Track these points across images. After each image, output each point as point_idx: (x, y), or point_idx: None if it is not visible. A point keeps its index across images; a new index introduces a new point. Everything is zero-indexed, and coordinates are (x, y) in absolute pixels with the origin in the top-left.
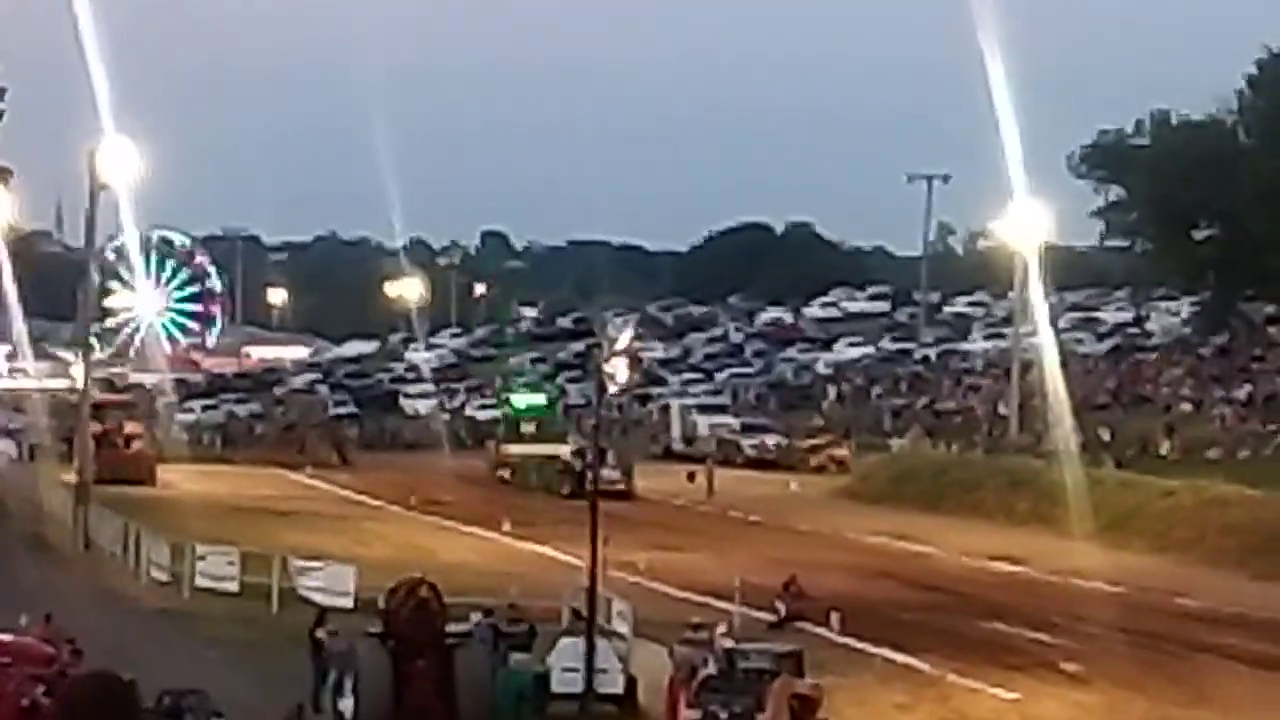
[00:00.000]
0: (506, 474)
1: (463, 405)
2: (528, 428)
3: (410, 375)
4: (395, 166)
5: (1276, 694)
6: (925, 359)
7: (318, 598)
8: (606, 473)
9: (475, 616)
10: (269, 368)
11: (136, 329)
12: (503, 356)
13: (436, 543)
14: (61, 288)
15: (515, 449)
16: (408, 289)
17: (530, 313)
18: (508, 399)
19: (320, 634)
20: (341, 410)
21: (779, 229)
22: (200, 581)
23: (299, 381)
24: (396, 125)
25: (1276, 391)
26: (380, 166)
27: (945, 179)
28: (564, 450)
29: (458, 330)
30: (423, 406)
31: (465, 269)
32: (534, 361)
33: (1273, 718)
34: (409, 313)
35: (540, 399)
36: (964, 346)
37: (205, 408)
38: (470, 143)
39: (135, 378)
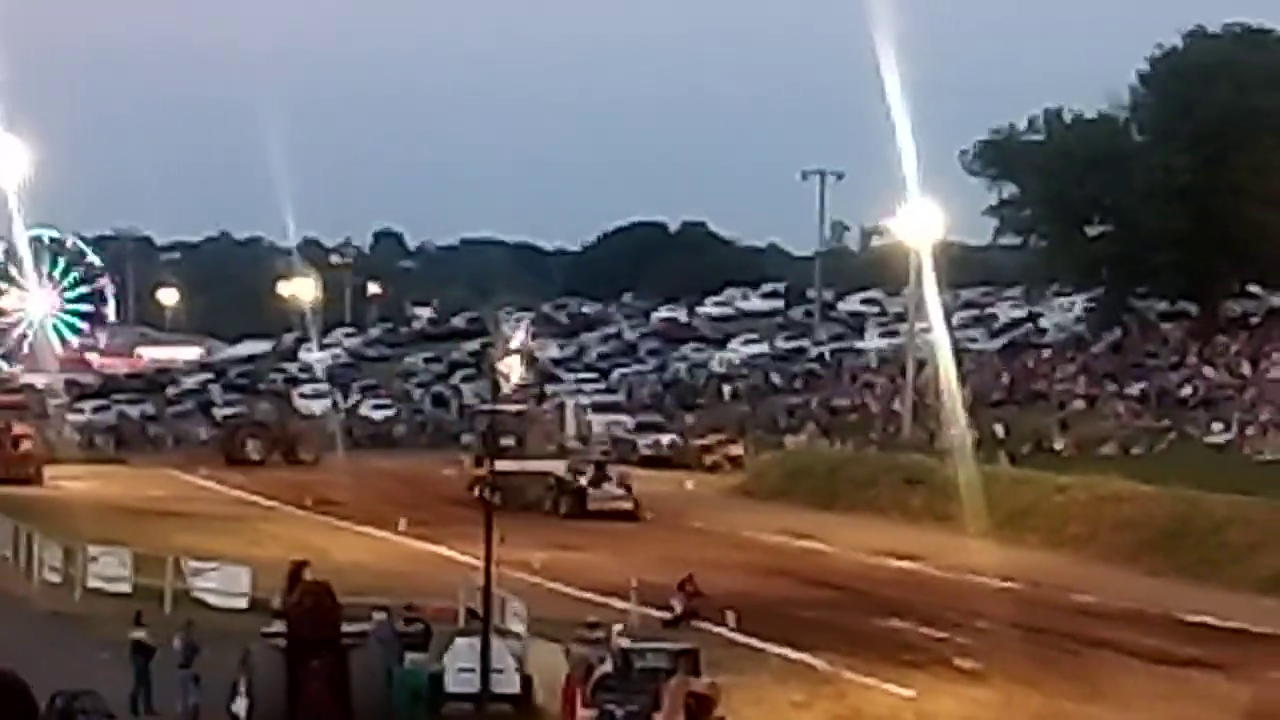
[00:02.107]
0: (485, 493)
1: (357, 405)
2: (507, 441)
3: (304, 375)
4: (287, 166)
5: (1170, 689)
6: (820, 357)
7: (211, 599)
8: (609, 489)
9: (379, 616)
10: (161, 368)
11: (28, 329)
12: (398, 356)
13: (331, 543)
14: None
15: (498, 465)
16: (301, 289)
17: (424, 312)
18: (480, 409)
19: (138, 635)
20: (230, 410)
21: (673, 227)
22: (92, 583)
23: (190, 382)
24: (288, 124)
25: (1169, 387)
26: (272, 166)
27: (839, 176)
28: (557, 466)
29: (351, 330)
30: (317, 406)
31: (359, 268)
32: (428, 361)
33: (1166, 713)
34: (302, 312)
35: (519, 405)
36: (858, 344)
37: (97, 408)
38: (363, 142)
39: (26, 378)
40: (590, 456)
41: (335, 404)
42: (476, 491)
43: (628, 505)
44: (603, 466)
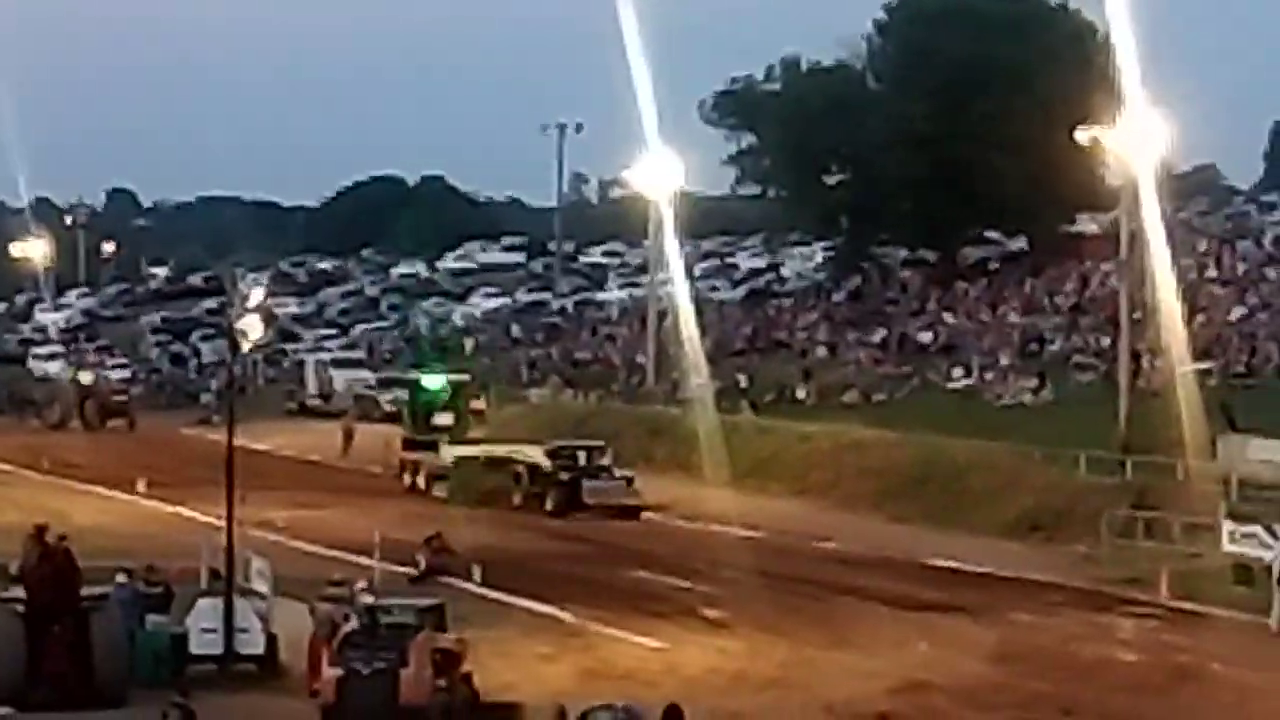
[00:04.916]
0: (420, 482)
1: (94, 365)
2: (442, 418)
3: (38, 336)
4: (17, 123)
5: (914, 633)
6: (562, 309)
7: None
8: (605, 484)
9: (121, 578)
10: None
11: None
12: (134, 316)
13: (70, 506)
14: None
15: (451, 451)
16: (33, 249)
17: (160, 271)
18: (415, 380)
19: None
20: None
21: (411, 182)
22: None
23: None
24: (17, 81)
25: (910, 334)
26: (1, 124)
27: (578, 128)
28: (531, 450)
29: (86, 290)
30: (52, 368)
31: (93, 228)
32: (165, 320)
33: (910, 656)
34: (35, 273)
35: (457, 378)
36: (600, 296)
37: None
38: (95, 98)
39: None
40: (577, 441)
41: (76, 366)
42: (408, 479)
43: (633, 500)
44: (596, 451)
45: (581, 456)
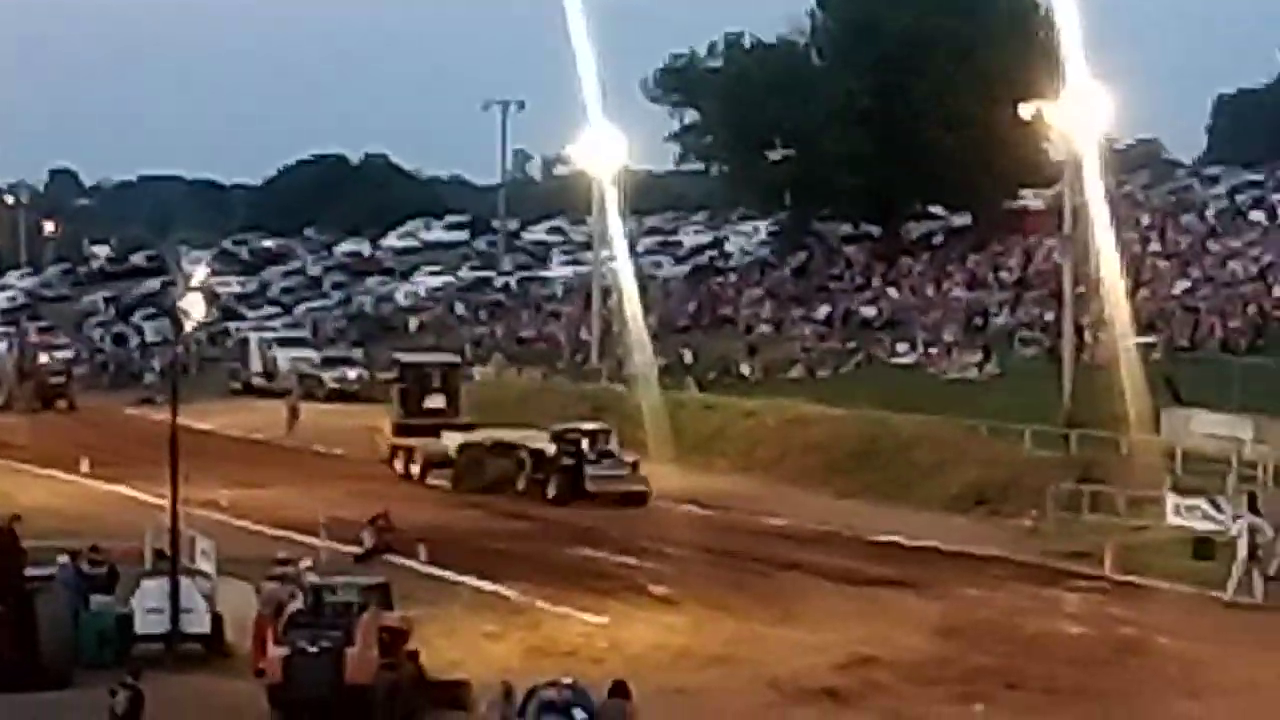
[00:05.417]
0: (415, 469)
1: (38, 346)
2: (433, 401)
3: None
4: None
5: (859, 608)
6: (506, 287)
7: None
8: (612, 466)
9: (63, 559)
10: None
11: None
12: (76, 296)
13: (11, 486)
14: None
15: (455, 437)
16: None
17: (102, 250)
18: (405, 361)
19: None
20: None
21: (354, 159)
22: None
23: None
24: None
25: (854, 310)
26: None
27: (521, 105)
28: (534, 436)
29: (28, 270)
30: None
31: (34, 207)
32: (108, 300)
33: (855, 630)
34: None
35: (448, 356)
36: (544, 273)
37: None
38: (35, 78)
39: None
40: (582, 425)
41: (12, 345)
42: (400, 466)
43: (639, 486)
44: (600, 436)
45: (585, 441)
